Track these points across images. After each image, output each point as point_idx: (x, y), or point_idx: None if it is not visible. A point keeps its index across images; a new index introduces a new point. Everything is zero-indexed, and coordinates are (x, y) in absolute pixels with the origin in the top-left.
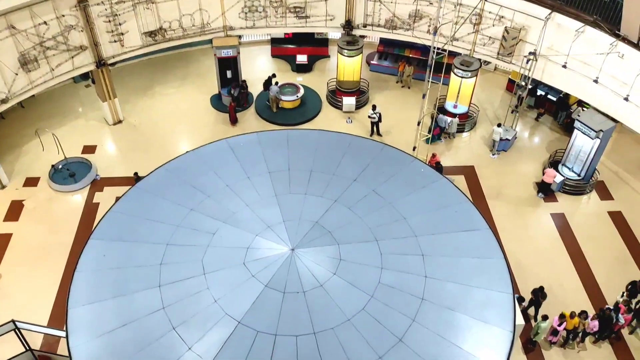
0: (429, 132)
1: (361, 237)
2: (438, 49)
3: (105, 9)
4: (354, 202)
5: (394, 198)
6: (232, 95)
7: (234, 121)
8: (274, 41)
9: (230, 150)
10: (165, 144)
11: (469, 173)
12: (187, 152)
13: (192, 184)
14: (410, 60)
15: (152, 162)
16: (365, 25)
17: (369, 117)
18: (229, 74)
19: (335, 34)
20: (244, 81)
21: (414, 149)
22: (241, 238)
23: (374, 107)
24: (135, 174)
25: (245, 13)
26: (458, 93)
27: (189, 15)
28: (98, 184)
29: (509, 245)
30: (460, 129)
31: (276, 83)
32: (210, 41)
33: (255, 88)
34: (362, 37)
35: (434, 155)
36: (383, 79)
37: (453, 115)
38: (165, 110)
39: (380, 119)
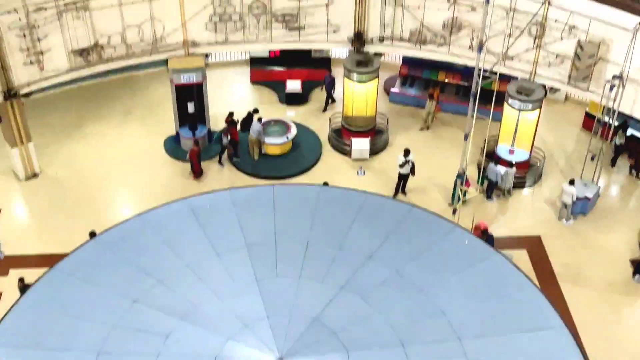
0: (480, 182)
1: (381, 341)
2: (485, 71)
3: (19, 19)
4: (369, 290)
5: (426, 283)
6: (220, 144)
7: (198, 173)
8: (255, 62)
9: (193, 214)
10: (99, 206)
11: (534, 246)
12: (130, 217)
13: (137, 263)
14: (442, 88)
15: (79, 232)
16: (382, 40)
17: (400, 167)
18: (190, 107)
19: (340, 51)
20: (231, 114)
21: (454, 212)
22: (206, 343)
23: (406, 153)
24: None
25: (215, 23)
26: (515, 133)
27: (135, 26)
28: (1, 265)
29: (593, 350)
30: (519, 184)
31: (259, 120)
32: (164, 62)
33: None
34: (378, 55)
35: (479, 226)
36: (408, 113)
37: (508, 164)
38: (101, 158)
39: (413, 171)
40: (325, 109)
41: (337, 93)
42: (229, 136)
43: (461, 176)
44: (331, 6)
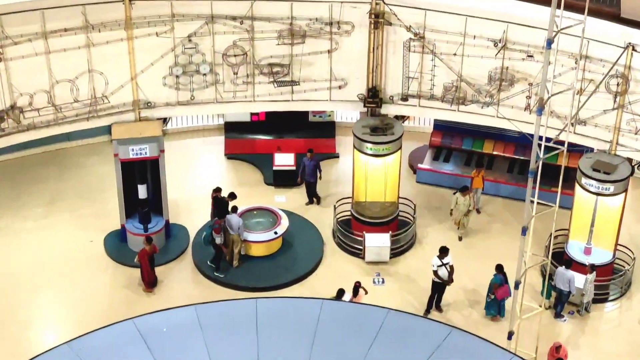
0: (545, 294)
1: None
2: (548, 140)
3: None
4: None
5: None
6: (213, 245)
7: (150, 282)
8: (232, 128)
9: (143, 341)
10: (13, 329)
11: None
12: (57, 346)
13: None
14: (489, 163)
15: None
16: (405, 98)
17: (434, 272)
18: (142, 191)
19: (348, 113)
20: (218, 190)
21: (510, 335)
22: None
23: (442, 252)
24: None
25: (176, 77)
26: (591, 225)
27: (67, 82)
28: None
29: None
30: (600, 296)
31: (234, 210)
32: (107, 130)
33: (191, 219)
34: (401, 119)
35: (557, 349)
36: (442, 198)
37: (586, 268)
38: (18, 263)
39: (451, 278)
40: (310, 202)
41: (341, 170)
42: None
43: (500, 279)
44: (336, 53)
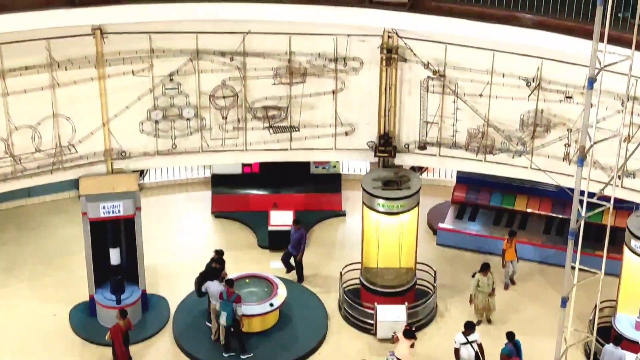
0: None
1: None
2: (591, 195)
3: None
4: None
5: None
6: (233, 323)
7: None
8: (220, 182)
9: None
10: None
11: None
12: None
13: None
14: (522, 222)
15: None
16: (423, 146)
17: (456, 350)
18: (114, 255)
19: (357, 164)
20: (219, 253)
21: None
22: None
23: (469, 327)
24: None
25: (155, 122)
26: None
27: (28, 128)
28: None
29: None
30: None
31: (222, 279)
32: (74, 185)
33: (172, 289)
34: (418, 170)
35: None
36: (467, 263)
37: (638, 346)
38: None
39: (479, 358)
40: (300, 280)
41: (348, 231)
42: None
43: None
44: (341, 94)
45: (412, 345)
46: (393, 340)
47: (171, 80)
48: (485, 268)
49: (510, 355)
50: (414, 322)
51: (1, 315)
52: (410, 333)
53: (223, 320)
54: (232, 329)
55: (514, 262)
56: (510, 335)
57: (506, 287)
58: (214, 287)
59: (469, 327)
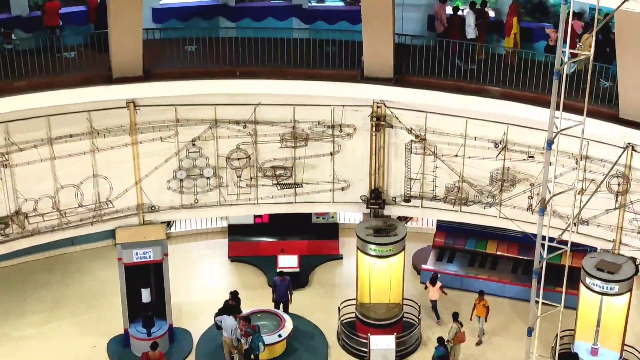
0: None
1: None
2: (551, 240)
3: None
4: None
5: None
6: (237, 347)
7: None
8: (235, 231)
9: None
10: None
11: None
12: None
13: None
14: (493, 263)
15: None
16: (408, 199)
17: None
18: (145, 295)
19: (351, 215)
20: (235, 294)
21: None
22: None
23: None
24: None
25: (180, 181)
26: (597, 325)
27: (72, 187)
28: None
29: None
30: None
31: (236, 316)
32: (111, 234)
33: (194, 323)
34: (404, 220)
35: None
36: (447, 299)
37: None
38: None
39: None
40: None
41: (346, 272)
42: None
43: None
44: (338, 156)
45: (441, 288)
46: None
47: (193, 145)
48: (455, 317)
49: (443, 357)
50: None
51: (48, 347)
52: (434, 279)
53: (262, 348)
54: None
55: (481, 319)
56: (440, 340)
57: (478, 344)
58: (229, 321)
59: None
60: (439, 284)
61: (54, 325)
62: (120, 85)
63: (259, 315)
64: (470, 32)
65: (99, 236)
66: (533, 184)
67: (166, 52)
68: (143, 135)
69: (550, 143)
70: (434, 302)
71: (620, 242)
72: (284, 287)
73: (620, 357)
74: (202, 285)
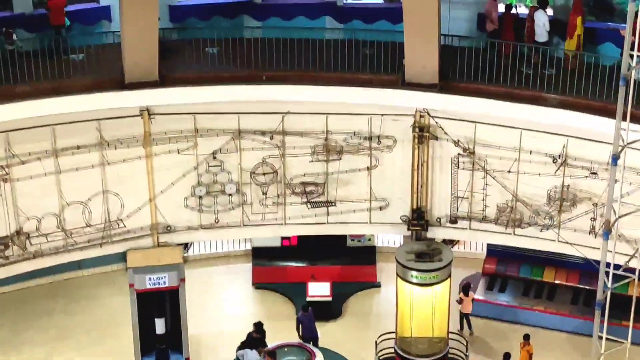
0: None
1: None
2: (617, 267)
3: None
4: None
5: None
6: None
7: None
8: (260, 255)
9: None
10: None
11: None
12: None
13: None
14: (550, 293)
15: None
16: (454, 220)
17: None
18: (160, 325)
19: (390, 237)
20: (259, 326)
21: None
22: None
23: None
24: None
25: (199, 198)
26: None
27: (79, 204)
28: None
29: None
30: None
31: (260, 350)
32: (122, 257)
33: (214, 357)
34: (450, 243)
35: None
36: (498, 332)
37: None
38: None
39: None
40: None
41: (383, 301)
42: None
43: None
44: (376, 171)
45: (473, 300)
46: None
47: (214, 158)
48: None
49: None
50: None
51: None
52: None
53: None
54: None
55: None
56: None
57: None
58: (252, 356)
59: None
60: (472, 294)
61: (58, 357)
62: (134, 91)
63: (285, 349)
64: (543, 34)
65: (108, 259)
66: (596, 204)
67: (184, 55)
68: (158, 147)
69: (615, 158)
70: (466, 316)
71: None
72: (310, 321)
73: None
74: (222, 315)
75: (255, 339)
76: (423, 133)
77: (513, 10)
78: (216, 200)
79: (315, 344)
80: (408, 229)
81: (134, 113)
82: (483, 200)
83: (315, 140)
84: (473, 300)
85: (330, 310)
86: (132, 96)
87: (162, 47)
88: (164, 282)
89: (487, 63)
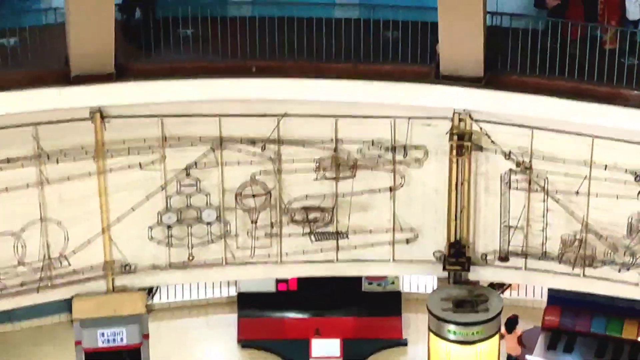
0: None
1: None
2: None
3: None
4: None
5: None
6: None
7: None
8: (248, 302)
9: None
10: None
11: None
12: None
13: None
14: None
15: None
16: (505, 257)
17: None
18: None
19: (420, 279)
20: None
21: None
22: None
23: None
24: None
25: (167, 228)
26: None
27: (11, 235)
28: None
29: None
30: None
31: None
32: (65, 305)
33: None
34: (499, 288)
35: None
36: None
37: None
38: None
39: None
40: None
41: None
42: None
43: None
44: (401, 191)
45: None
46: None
47: (188, 175)
48: None
49: None
50: None
51: None
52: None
53: None
54: None
55: None
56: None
57: None
58: None
59: None
60: (518, 331)
61: None
62: (82, 87)
63: None
64: (636, 11)
65: (48, 309)
66: None
67: (150, 39)
68: (114, 160)
69: None
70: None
71: None
72: None
73: None
74: None
75: None
76: (463, 142)
77: None
78: (190, 231)
79: None
80: (444, 269)
81: (82, 116)
82: (543, 230)
83: (320, 151)
84: (521, 340)
85: None
86: (80, 93)
87: (121, 29)
88: (122, 339)
89: (549, 50)
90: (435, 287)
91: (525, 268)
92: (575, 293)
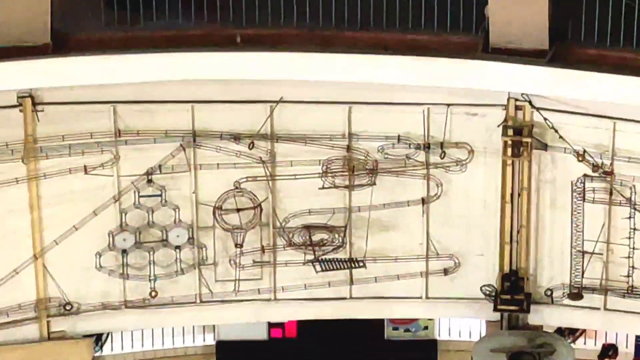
0: None
1: None
2: None
3: None
4: None
5: None
6: None
7: None
8: (230, 353)
9: None
10: None
11: None
12: None
13: None
14: None
15: None
16: (578, 293)
17: None
18: None
19: (462, 322)
20: None
21: None
22: None
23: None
24: None
25: (122, 253)
26: None
27: None
28: None
29: None
30: None
31: None
32: None
33: None
34: (569, 334)
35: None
36: None
37: None
38: None
39: None
40: None
41: None
42: None
43: None
44: (437, 204)
45: None
46: None
47: (149, 181)
48: None
49: None
50: None
51: None
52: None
53: None
54: None
55: None
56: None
57: None
58: None
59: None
60: None
61: None
62: (7, 63)
63: None
64: None
65: None
66: None
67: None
68: (50, 161)
69: None
70: None
71: None
72: None
73: None
74: None
75: None
76: (522, 138)
77: None
78: (152, 258)
79: None
80: (495, 309)
81: (8, 102)
82: (629, 257)
83: (328, 150)
84: None
85: None
86: (5, 71)
87: None
88: None
89: (637, 14)
90: (483, 335)
91: (605, 308)
92: None
